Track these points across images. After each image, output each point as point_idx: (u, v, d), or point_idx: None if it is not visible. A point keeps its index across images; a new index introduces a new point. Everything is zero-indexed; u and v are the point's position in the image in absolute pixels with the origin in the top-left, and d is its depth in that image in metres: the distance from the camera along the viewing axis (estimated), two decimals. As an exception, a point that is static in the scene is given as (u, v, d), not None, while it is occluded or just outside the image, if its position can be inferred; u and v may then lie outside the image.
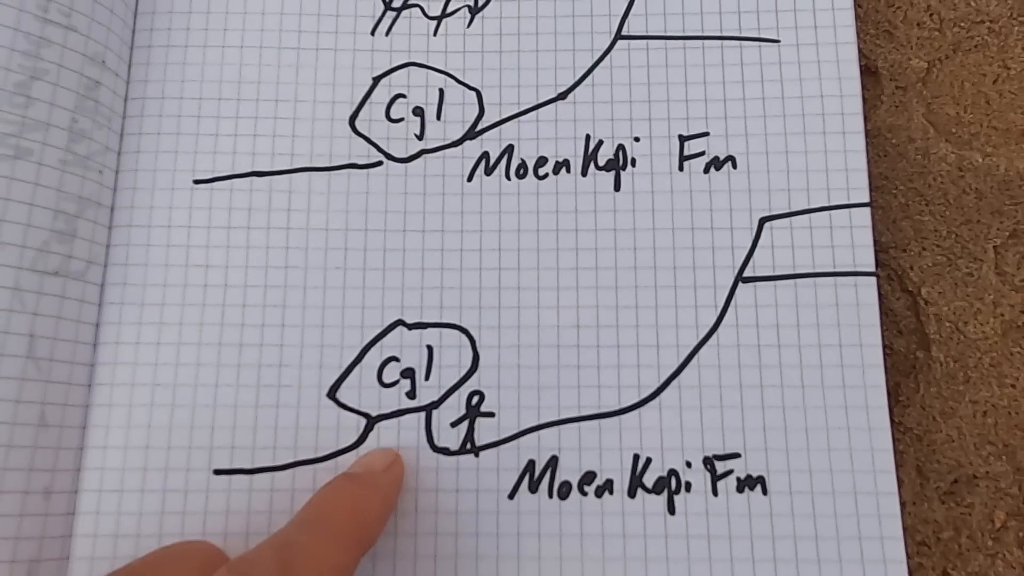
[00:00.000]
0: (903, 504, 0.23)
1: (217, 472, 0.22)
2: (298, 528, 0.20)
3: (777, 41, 0.25)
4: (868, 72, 0.26)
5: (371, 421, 0.23)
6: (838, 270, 0.24)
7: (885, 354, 0.24)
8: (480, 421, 0.23)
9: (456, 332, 0.24)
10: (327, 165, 0.24)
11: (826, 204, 0.24)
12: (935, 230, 0.25)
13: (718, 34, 0.25)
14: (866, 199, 0.24)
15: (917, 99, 0.26)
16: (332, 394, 0.23)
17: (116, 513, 0.22)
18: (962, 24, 0.26)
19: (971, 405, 0.24)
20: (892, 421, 0.23)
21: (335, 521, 0.20)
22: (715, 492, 0.22)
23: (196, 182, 0.24)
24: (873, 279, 0.24)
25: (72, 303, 0.22)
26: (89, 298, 0.23)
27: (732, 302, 0.24)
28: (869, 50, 0.26)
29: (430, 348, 0.23)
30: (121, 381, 0.23)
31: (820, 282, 0.24)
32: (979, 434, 0.23)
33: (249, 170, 0.24)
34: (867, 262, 0.24)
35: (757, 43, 0.25)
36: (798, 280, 0.24)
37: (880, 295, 0.24)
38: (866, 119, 0.25)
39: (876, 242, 0.24)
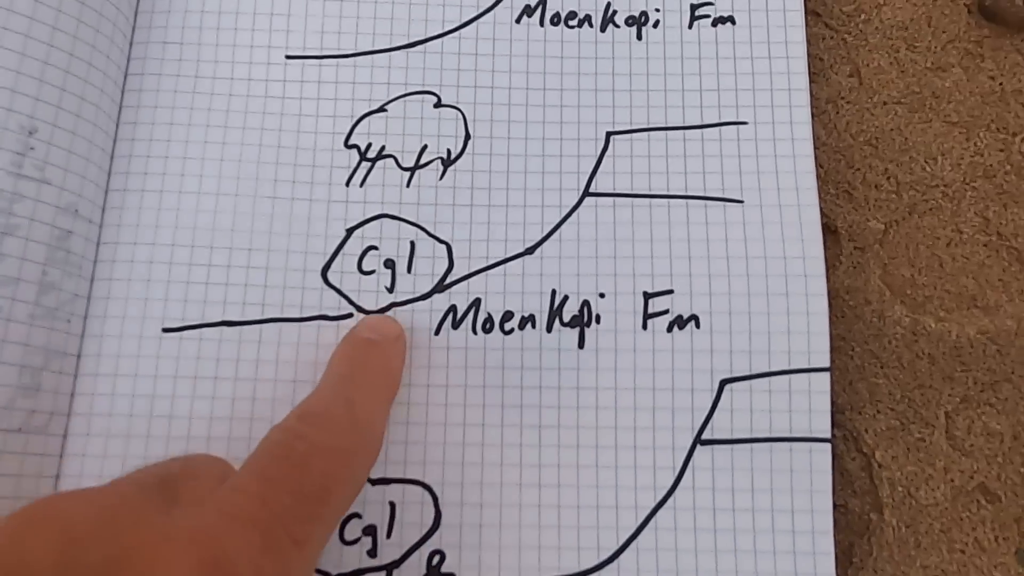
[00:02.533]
0: (854, 671, 0.23)
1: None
2: (349, 386, 0.22)
3: (741, 202, 0.26)
4: (828, 231, 0.27)
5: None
6: (794, 435, 0.24)
7: (840, 513, 0.25)
8: (439, 585, 0.23)
9: (419, 488, 0.24)
10: (298, 316, 0.25)
11: (787, 367, 0.25)
12: (889, 394, 0.26)
13: (683, 193, 0.26)
14: (826, 363, 0.25)
15: (874, 260, 0.27)
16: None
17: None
18: (917, 188, 0.27)
19: (922, 570, 0.24)
20: (845, 585, 0.24)
21: (376, 382, 0.23)
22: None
23: (165, 330, 0.24)
24: (828, 446, 0.24)
25: (34, 459, 0.22)
26: (51, 451, 0.23)
27: (690, 465, 0.24)
28: (829, 209, 0.27)
29: (392, 504, 0.24)
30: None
31: (776, 447, 0.24)
32: (929, 597, 0.24)
33: (220, 319, 0.25)
34: (823, 428, 0.24)
35: (721, 203, 0.26)
36: (754, 444, 0.24)
37: (836, 455, 0.25)
38: (826, 279, 0.26)
39: (832, 403, 0.25)
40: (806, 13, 0.28)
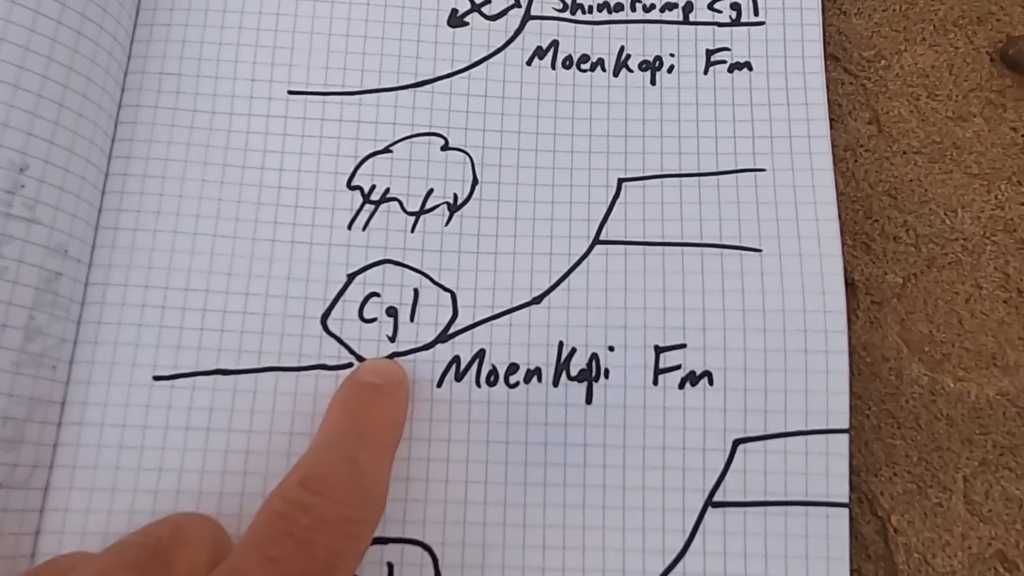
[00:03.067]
0: None
1: None
2: (353, 442, 0.21)
3: (759, 250, 0.25)
4: (845, 284, 0.26)
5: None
6: (810, 499, 0.23)
7: (853, 579, 0.24)
8: (438, 655, 0.22)
9: (418, 549, 0.23)
10: (295, 365, 0.24)
11: (803, 428, 0.24)
12: (906, 455, 0.25)
13: (698, 241, 0.25)
14: (845, 425, 0.24)
15: (892, 315, 0.26)
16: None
17: None
18: (936, 241, 0.26)
19: (938, 641, 0.23)
20: (858, 656, 0.23)
21: (381, 434, 0.22)
22: None
23: (156, 378, 0.23)
24: (845, 511, 0.23)
25: (14, 515, 0.21)
26: (31, 506, 0.22)
27: (700, 528, 0.23)
28: (847, 261, 0.26)
29: (390, 565, 0.23)
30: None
31: (791, 511, 0.23)
32: (945, 669, 0.23)
33: (214, 368, 0.23)
34: (841, 493, 0.23)
35: (738, 251, 0.25)
36: (768, 507, 0.23)
37: (850, 517, 0.24)
38: (841, 333, 0.25)
39: (848, 465, 0.24)
40: (825, 58, 0.27)
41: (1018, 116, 0.27)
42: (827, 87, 0.27)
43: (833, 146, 0.27)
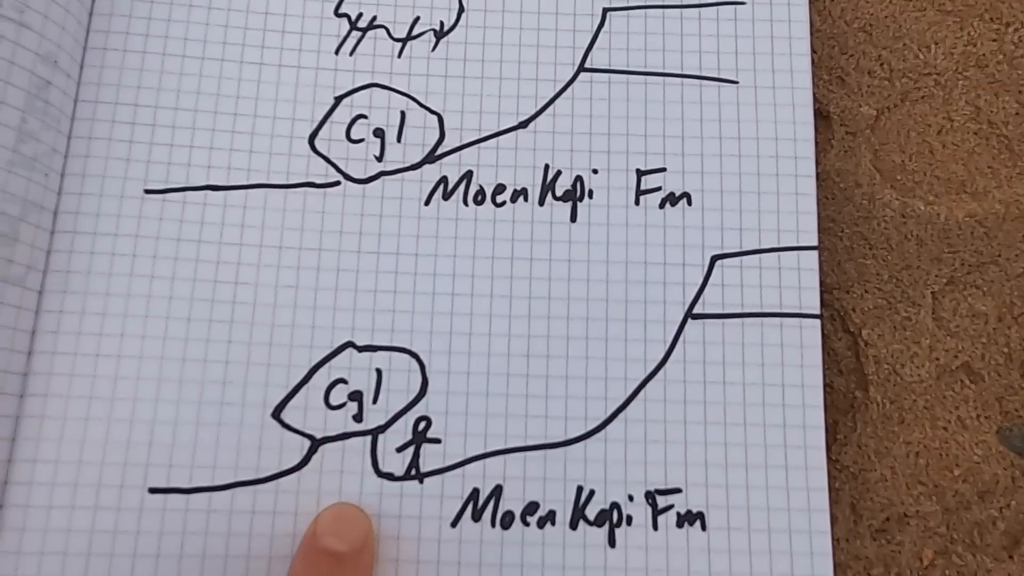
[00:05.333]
0: (837, 540, 0.24)
1: (152, 491, 0.22)
2: None
3: (736, 82, 0.26)
4: (820, 116, 0.27)
5: (315, 443, 0.23)
6: (784, 311, 0.24)
7: (825, 392, 0.25)
8: (426, 447, 0.23)
9: (406, 356, 0.23)
10: (284, 183, 0.24)
11: (776, 245, 0.25)
12: (877, 274, 0.26)
13: (679, 72, 0.26)
14: (814, 242, 0.25)
15: (865, 145, 0.27)
16: (277, 414, 0.23)
17: (43, 530, 0.21)
18: (910, 75, 0.27)
19: (904, 446, 0.24)
20: (829, 459, 0.24)
21: None
22: (655, 526, 0.23)
23: (147, 192, 0.24)
24: (817, 321, 0.24)
25: (9, 309, 0.22)
26: (27, 305, 0.22)
27: (681, 338, 0.24)
28: (822, 95, 0.27)
29: (379, 371, 0.23)
30: (56, 392, 0.22)
31: (766, 322, 0.24)
32: (911, 474, 0.24)
33: (204, 183, 0.24)
34: (812, 305, 0.24)
35: (716, 83, 0.26)
36: (745, 319, 0.24)
37: (823, 335, 0.25)
38: (816, 162, 0.26)
39: (821, 283, 0.25)
40: (804, -101, 0.27)
41: (991, -43, 0.28)
42: (806, -73, 0.27)
43: (811, -15, 0.27)
